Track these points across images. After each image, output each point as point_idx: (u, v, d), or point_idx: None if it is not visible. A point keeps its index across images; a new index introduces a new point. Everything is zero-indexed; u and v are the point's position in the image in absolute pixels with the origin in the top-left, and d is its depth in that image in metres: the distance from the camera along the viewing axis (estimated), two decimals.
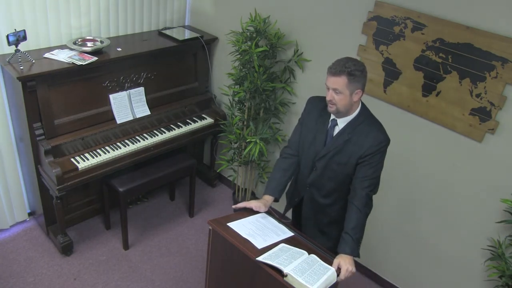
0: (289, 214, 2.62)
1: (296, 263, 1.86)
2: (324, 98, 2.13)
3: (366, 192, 2.08)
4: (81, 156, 2.96)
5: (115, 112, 3.15)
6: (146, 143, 3.22)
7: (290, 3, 3.10)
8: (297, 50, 3.16)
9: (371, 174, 2.08)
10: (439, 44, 2.49)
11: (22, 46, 2.77)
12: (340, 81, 1.98)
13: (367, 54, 2.80)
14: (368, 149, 2.06)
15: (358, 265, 3.14)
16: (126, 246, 3.29)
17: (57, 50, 2.96)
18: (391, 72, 2.74)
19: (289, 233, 2.14)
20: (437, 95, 2.59)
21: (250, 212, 2.22)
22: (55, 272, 3.04)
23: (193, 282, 3.11)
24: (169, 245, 3.40)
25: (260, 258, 1.87)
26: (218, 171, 4.07)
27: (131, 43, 3.33)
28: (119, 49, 3.17)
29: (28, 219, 3.44)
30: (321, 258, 1.96)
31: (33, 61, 2.79)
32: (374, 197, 2.14)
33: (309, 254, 1.97)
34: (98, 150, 3.03)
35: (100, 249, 3.27)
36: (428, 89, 2.61)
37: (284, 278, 1.80)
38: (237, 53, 3.21)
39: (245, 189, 3.75)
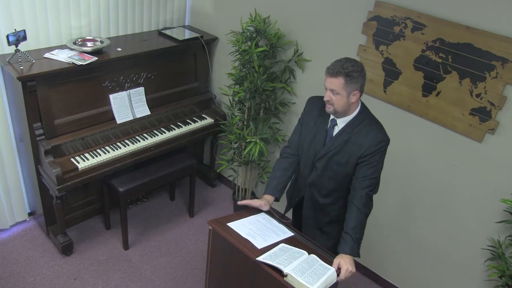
0: (289, 214, 2.62)
1: (296, 263, 1.86)
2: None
3: (366, 192, 2.08)
4: (81, 156, 2.96)
5: (115, 112, 3.15)
6: (146, 143, 3.22)
7: (290, 3, 3.10)
8: (297, 50, 3.16)
9: (371, 174, 2.08)
10: (439, 44, 2.49)
11: (22, 46, 2.77)
12: (337, 82, 1.98)
13: (367, 54, 2.80)
14: (368, 149, 2.06)
15: (358, 265, 3.15)
16: (126, 246, 3.29)
17: (57, 50, 2.96)
18: (391, 72, 2.74)
19: (289, 233, 2.14)
20: (437, 95, 2.59)
21: (250, 212, 2.22)
22: (55, 272, 3.04)
23: (193, 282, 3.11)
24: (169, 245, 3.40)
25: (260, 258, 1.87)
26: (218, 171, 4.07)
27: (131, 43, 3.33)
28: (119, 49, 3.17)
29: (28, 219, 3.44)
30: (321, 258, 1.96)
31: (33, 61, 2.79)
32: (374, 197, 2.14)
33: (309, 254, 1.97)
34: (98, 150, 3.03)
35: (100, 249, 3.27)
36: (428, 89, 2.61)
37: (284, 278, 1.80)
38: (237, 53, 3.21)
39: (245, 189, 3.75)
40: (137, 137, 3.25)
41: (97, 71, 3.03)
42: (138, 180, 3.16)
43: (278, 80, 3.30)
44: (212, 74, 3.87)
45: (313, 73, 3.16)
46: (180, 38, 3.48)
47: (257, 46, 3.09)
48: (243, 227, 2.07)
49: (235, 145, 3.58)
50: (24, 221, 3.43)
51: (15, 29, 2.71)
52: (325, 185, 2.24)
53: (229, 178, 3.95)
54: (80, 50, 2.99)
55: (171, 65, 3.49)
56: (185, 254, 3.34)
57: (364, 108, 2.15)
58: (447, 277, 2.88)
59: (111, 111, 3.14)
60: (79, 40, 3.12)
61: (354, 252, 2.03)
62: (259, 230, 2.08)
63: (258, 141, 3.16)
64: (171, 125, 3.47)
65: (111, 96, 3.13)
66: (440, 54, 2.50)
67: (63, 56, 2.89)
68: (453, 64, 2.47)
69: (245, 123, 3.43)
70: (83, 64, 2.86)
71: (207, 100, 3.76)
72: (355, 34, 2.82)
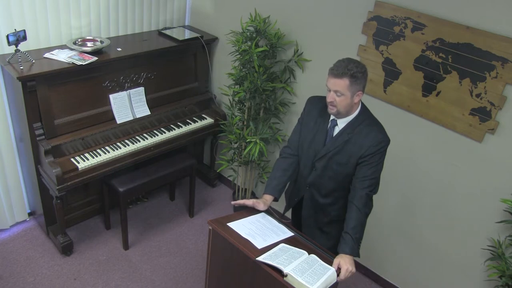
0: (288, 214, 2.62)
1: (296, 263, 1.86)
2: (324, 97, 2.13)
3: (366, 192, 2.08)
4: (81, 156, 2.96)
5: (115, 112, 3.15)
6: (146, 143, 3.22)
7: (290, 3, 3.10)
8: (297, 50, 3.16)
9: (371, 174, 2.08)
10: (439, 44, 2.49)
11: (22, 46, 2.77)
12: (342, 83, 1.98)
13: (367, 54, 2.80)
14: (368, 149, 2.06)
15: (358, 265, 3.15)
16: (126, 246, 3.29)
17: (57, 50, 2.96)
18: (391, 72, 2.74)
19: (289, 233, 2.14)
20: (437, 95, 2.59)
21: (250, 212, 2.22)
22: (55, 272, 3.04)
23: (193, 282, 3.11)
24: (169, 245, 3.40)
25: (260, 258, 1.87)
26: (218, 171, 4.07)
27: (131, 43, 3.33)
28: (119, 49, 3.17)
29: (28, 219, 3.44)
30: (321, 258, 1.96)
31: (33, 61, 2.79)
32: (374, 197, 2.14)
33: (309, 254, 1.97)
34: (98, 150, 3.03)
35: (100, 249, 3.27)
36: (428, 89, 2.61)
37: (284, 278, 1.80)
38: (237, 53, 3.21)
39: (245, 189, 3.75)
40: (137, 137, 3.25)
41: (97, 71, 3.03)
42: (138, 180, 3.16)
43: (278, 80, 3.30)
44: (212, 74, 3.87)
45: (313, 73, 3.16)
46: (180, 38, 3.48)
47: (257, 46, 3.09)
48: (243, 227, 2.07)
49: (235, 145, 3.58)
50: (24, 221, 3.43)
51: (15, 29, 2.71)
52: (325, 185, 2.24)
53: (229, 178, 3.95)
54: (80, 50, 2.99)
55: (171, 65, 3.49)
56: (185, 254, 3.34)
57: (364, 109, 2.15)
58: (447, 277, 2.88)
59: (111, 111, 3.14)
60: (79, 40, 3.12)
61: (354, 252, 2.03)
62: (259, 230, 2.08)
63: (258, 141, 3.16)
64: (171, 125, 3.47)
65: (111, 96, 3.13)
66: (440, 54, 2.50)
67: (63, 56, 2.89)
68: (453, 64, 2.47)
69: (245, 123, 3.43)
70: (83, 64, 2.86)
71: (207, 100, 3.76)
72: (355, 34, 2.82)
